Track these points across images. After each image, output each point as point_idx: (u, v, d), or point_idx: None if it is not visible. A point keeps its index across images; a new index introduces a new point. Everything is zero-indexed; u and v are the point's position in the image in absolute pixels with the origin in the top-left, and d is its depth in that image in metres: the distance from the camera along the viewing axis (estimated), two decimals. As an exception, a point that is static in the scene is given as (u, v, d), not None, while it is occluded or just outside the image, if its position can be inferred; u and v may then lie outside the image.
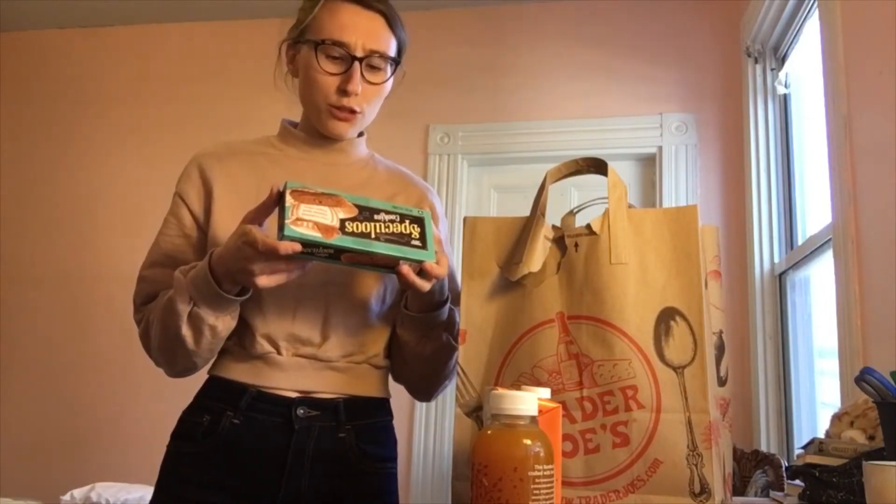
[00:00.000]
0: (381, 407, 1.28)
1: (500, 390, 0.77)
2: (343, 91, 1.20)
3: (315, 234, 1.01)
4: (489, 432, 0.74)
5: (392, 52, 1.24)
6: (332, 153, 1.30)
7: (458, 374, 1.03)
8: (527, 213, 1.06)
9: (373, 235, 1.05)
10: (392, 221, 1.07)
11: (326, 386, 1.20)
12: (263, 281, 1.05)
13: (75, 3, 3.48)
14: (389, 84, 1.27)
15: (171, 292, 1.14)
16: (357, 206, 1.07)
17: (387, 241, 1.05)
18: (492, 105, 3.22)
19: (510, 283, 1.02)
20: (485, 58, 3.25)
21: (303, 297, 1.19)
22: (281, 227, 1.00)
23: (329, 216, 1.03)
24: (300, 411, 1.18)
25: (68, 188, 3.52)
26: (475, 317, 1.04)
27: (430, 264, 1.07)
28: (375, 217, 1.07)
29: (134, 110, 3.54)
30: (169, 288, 1.18)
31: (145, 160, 3.47)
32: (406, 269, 1.06)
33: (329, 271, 1.16)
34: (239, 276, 1.07)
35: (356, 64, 1.19)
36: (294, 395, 1.18)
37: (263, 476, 1.16)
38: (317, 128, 1.28)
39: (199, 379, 1.29)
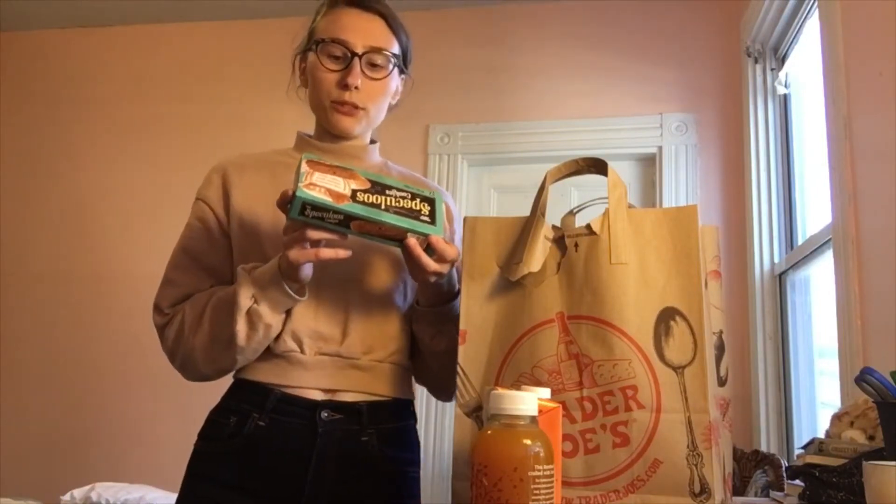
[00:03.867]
0: (404, 409, 1.29)
1: (500, 390, 0.77)
2: (344, 85, 1.23)
3: (326, 199, 1.03)
4: (489, 432, 0.74)
5: (394, 50, 1.27)
6: (346, 159, 1.32)
7: (458, 374, 1.03)
8: (527, 213, 1.06)
9: (383, 207, 1.06)
10: (403, 197, 1.10)
11: (349, 384, 1.21)
12: (294, 254, 1.07)
13: (75, 3, 3.48)
14: (392, 84, 1.30)
15: (227, 291, 1.17)
16: (370, 180, 1.09)
17: (396, 213, 1.07)
18: (492, 105, 3.22)
19: (510, 283, 1.02)
20: (485, 58, 3.25)
21: (323, 293, 1.21)
22: (294, 190, 1.02)
23: (342, 185, 1.06)
24: (324, 414, 1.19)
25: (68, 188, 3.51)
26: (475, 317, 1.04)
27: (436, 238, 1.08)
28: (387, 192, 1.09)
29: (134, 110, 3.54)
30: (198, 291, 1.23)
31: (145, 160, 3.47)
32: (413, 241, 1.07)
33: (349, 268, 1.18)
34: (281, 264, 1.10)
35: (355, 59, 1.23)
36: (318, 397, 1.20)
37: (287, 477, 1.17)
38: (326, 128, 1.31)
39: (199, 382, 1.30)
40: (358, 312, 1.22)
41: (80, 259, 3.42)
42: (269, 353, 1.21)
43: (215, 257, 1.26)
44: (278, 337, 1.19)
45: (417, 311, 1.23)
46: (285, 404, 1.19)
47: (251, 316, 1.14)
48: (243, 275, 1.15)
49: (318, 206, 1.02)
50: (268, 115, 3.37)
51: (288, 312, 1.19)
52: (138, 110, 3.53)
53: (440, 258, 1.09)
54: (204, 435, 1.24)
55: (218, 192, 1.28)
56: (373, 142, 1.37)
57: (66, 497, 2.64)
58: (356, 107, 1.25)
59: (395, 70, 1.29)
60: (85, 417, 3.24)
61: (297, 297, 1.14)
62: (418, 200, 1.10)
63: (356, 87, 1.23)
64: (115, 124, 3.54)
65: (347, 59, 1.23)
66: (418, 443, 1.31)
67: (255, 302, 1.13)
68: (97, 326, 3.32)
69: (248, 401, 1.21)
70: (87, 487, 2.66)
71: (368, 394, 1.22)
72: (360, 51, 1.23)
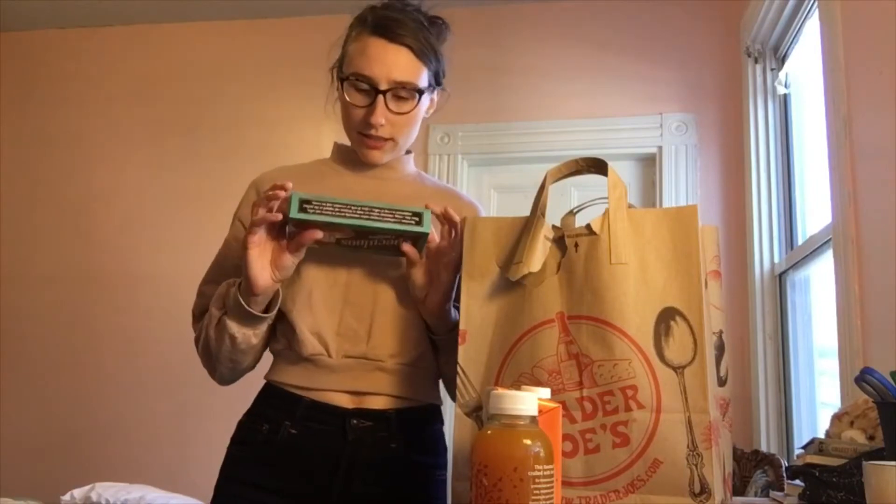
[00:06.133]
0: (431, 414, 1.32)
1: (500, 390, 0.77)
2: (368, 123, 1.25)
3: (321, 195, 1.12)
4: (489, 432, 0.74)
5: (421, 83, 1.26)
6: (381, 169, 1.34)
7: (458, 374, 1.03)
8: (527, 213, 1.06)
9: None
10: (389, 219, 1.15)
11: (376, 387, 1.23)
12: (253, 240, 1.13)
13: (75, 3, 3.48)
14: (420, 111, 1.30)
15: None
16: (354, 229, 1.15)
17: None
18: (492, 105, 3.21)
19: (510, 283, 1.02)
20: (485, 58, 3.25)
21: (350, 295, 1.24)
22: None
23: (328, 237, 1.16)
24: (354, 421, 1.22)
25: (68, 188, 3.51)
26: (475, 317, 1.04)
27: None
28: (370, 237, 1.17)
29: (134, 110, 3.53)
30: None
31: (145, 160, 3.47)
32: (408, 248, 1.16)
33: (376, 272, 1.23)
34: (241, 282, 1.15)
35: (379, 97, 1.23)
36: (347, 405, 1.23)
37: (318, 481, 1.21)
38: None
39: (200, 382, 1.31)
40: (383, 316, 1.24)
41: (80, 259, 3.42)
42: (297, 357, 1.24)
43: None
44: (303, 339, 1.23)
45: (434, 341, 1.26)
46: (315, 411, 1.23)
47: (220, 326, 1.21)
48: (224, 287, 1.22)
49: (316, 200, 1.09)
50: (268, 115, 3.38)
51: (313, 313, 1.23)
52: (138, 110, 3.53)
53: (448, 217, 1.15)
54: (238, 440, 1.29)
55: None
56: (408, 152, 1.39)
57: (66, 497, 2.64)
58: (383, 139, 1.27)
59: (424, 97, 1.28)
60: (85, 417, 3.24)
61: (259, 314, 1.19)
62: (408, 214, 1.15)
63: (381, 125, 1.25)
64: (116, 124, 3.54)
65: (372, 95, 1.24)
66: (445, 447, 1.33)
67: (225, 314, 1.20)
68: (98, 327, 3.32)
69: (279, 408, 1.25)
70: (87, 487, 2.66)
71: (395, 397, 1.24)
72: (384, 87, 1.23)
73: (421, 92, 1.26)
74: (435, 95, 1.35)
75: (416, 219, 1.13)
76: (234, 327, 1.19)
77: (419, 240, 1.17)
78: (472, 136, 3.22)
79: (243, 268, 1.15)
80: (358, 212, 1.12)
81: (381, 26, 1.24)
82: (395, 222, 1.12)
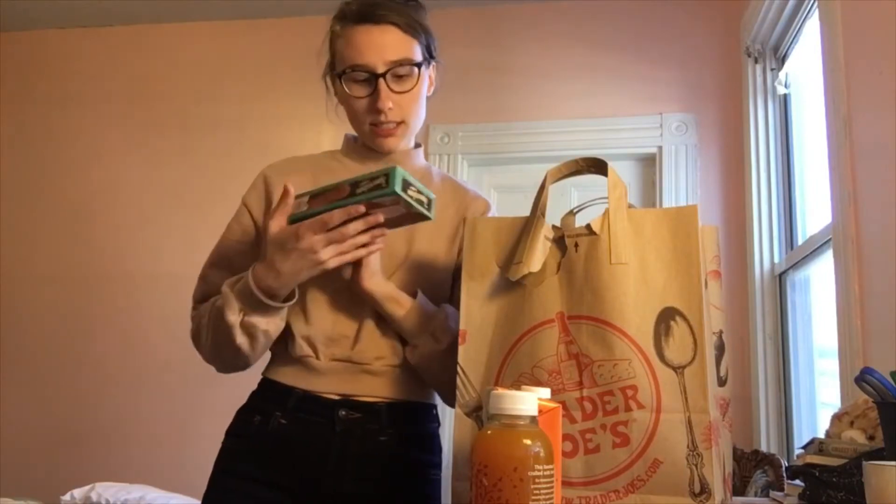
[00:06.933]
0: (424, 412, 1.31)
1: (500, 390, 0.77)
2: (376, 110, 1.25)
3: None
4: (489, 432, 0.74)
5: (416, 57, 1.27)
6: (390, 164, 1.32)
7: (458, 374, 1.03)
8: (527, 213, 1.06)
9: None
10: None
11: (364, 389, 1.24)
12: (333, 261, 1.10)
13: (75, 3, 3.48)
14: (422, 86, 1.30)
15: (218, 303, 1.19)
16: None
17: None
18: (492, 105, 3.21)
19: (510, 283, 1.02)
20: (485, 58, 3.25)
21: (343, 301, 1.23)
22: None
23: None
24: (342, 413, 1.22)
25: (68, 188, 3.51)
26: (475, 317, 1.04)
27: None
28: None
29: (134, 110, 3.53)
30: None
31: (145, 160, 3.47)
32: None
33: None
34: (303, 271, 1.12)
35: (380, 81, 1.23)
36: (336, 397, 1.23)
37: (309, 473, 1.21)
38: (371, 146, 1.33)
39: (200, 382, 1.30)
40: (371, 322, 1.24)
41: (80, 259, 3.42)
42: (289, 358, 1.25)
43: (247, 261, 1.28)
44: (294, 342, 1.23)
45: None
46: (306, 403, 1.23)
47: (246, 328, 1.17)
48: (226, 291, 1.17)
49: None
50: (268, 114, 3.38)
51: (306, 318, 1.23)
52: (138, 110, 3.53)
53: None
54: (231, 432, 1.29)
55: (260, 196, 1.32)
56: (418, 145, 1.39)
57: (66, 497, 2.64)
58: (394, 123, 1.27)
59: (423, 70, 1.28)
60: (85, 417, 3.24)
61: (282, 305, 1.17)
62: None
63: (389, 108, 1.24)
64: (116, 124, 3.54)
65: (372, 81, 1.24)
66: (440, 446, 1.32)
67: (245, 315, 1.16)
68: (97, 326, 3.32)
69: (272, 400, 1.25)
70: (87, 487, 2.66)
71: (384, 398, 1.24)
72: (381, 70, 1.23)
73: (419, 65, 1.26)
74: (432, 72, 1.34)
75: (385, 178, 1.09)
76: (263, 323, 1.17)
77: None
78: (472, 136, 3.22)
79: (302, 275, 1.13)
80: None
81: (362, 14, 1.25)
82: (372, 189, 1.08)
